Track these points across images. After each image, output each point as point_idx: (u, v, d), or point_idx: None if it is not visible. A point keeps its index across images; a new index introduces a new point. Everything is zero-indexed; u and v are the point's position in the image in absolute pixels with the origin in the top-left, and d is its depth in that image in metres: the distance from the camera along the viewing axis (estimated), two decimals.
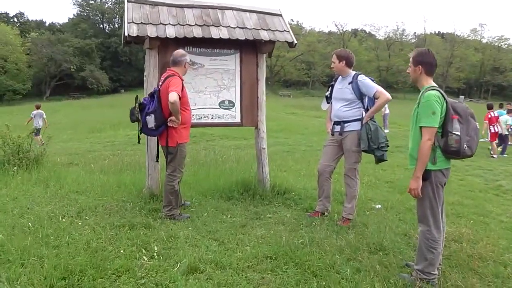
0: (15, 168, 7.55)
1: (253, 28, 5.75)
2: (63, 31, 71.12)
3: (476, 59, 73.49)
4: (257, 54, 6.07)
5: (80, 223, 4.86)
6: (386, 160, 5.07)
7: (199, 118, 5.90)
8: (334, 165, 5.38)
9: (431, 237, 3.60)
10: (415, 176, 3.52)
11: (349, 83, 5.09)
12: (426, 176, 3.53)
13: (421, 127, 3.51)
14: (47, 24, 77.54)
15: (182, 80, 4.92)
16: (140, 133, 4.94)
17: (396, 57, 71.81)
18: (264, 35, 5.73)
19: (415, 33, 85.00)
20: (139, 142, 5.11)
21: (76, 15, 77.19)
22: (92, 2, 77.32)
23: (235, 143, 15.09)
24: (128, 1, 5.51)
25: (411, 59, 3.72)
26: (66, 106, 44.60)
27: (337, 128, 5.23)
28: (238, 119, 6.10)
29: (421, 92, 3.62)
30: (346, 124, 5.13)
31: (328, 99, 5.51)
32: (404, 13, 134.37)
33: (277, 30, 5.87)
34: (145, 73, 5.65)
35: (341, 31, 78.17)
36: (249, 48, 6.02)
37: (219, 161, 9.49)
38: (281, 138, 16.92)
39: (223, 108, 6.01)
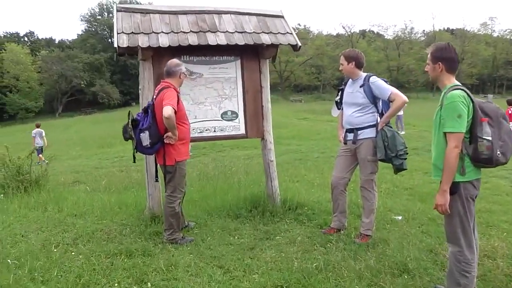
0: (13, 191, 7.26)
1: (253, 32, 5.34)
2: (72, 48, 71.79)
3: (488, 54, 71.93)
4: (259, 60, 5.65)
5: (74, 252, 4.47)
6: (406, 169, 4.61)
7: (201, 132, 5.49)
8: (348, 177, 4.93)
9: (464, 259, 3.12)
10: (442, 190, 3.06)
11: (360, 86, 4.64)
12: (454, 189, 3.06)
13: (445, 133, 3.05)
14: (56, 42, 78.45)
15: (178, 92, 4.53)
16: (136, 152, 4.55)
17: (406, 56, 70.94)
18: (266, 39, 5.32)
19: (423, 30, 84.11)
20: (134, 161, 4.72)
21: (84, 31, 78.00)
22: (100, 17, 77.91)
23: (245, 153, 14.68)
24: (118, 10, 5.16)
25: (429, 56, 3.27)
26: (78, 122, 44.82)
27: (350, 136, 4.78)
28: (242, 131, 5.68)
29: (443, 93, 3.16)
30: (359, 132, 4.68)
31: (339, 104, 5.06)
32: (412, 11, 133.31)
33: (279, 32, 5.45)
34: (139, 87, 5.27)
35: (349, 33, 77.50)
36: (250, 54, 5.61)
37: (227, 174, 9.07)
38: (293, 145, 16.47)
39: (226, 120, 5.60)
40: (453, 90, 3.07)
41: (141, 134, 4.37)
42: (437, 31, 76.50)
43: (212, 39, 5.09)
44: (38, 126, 17.05)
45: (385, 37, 79.18)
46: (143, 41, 4.88)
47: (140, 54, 5.09)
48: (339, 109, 5.09)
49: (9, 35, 73.68)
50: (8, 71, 60.56)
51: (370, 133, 4.64)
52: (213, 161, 12.24)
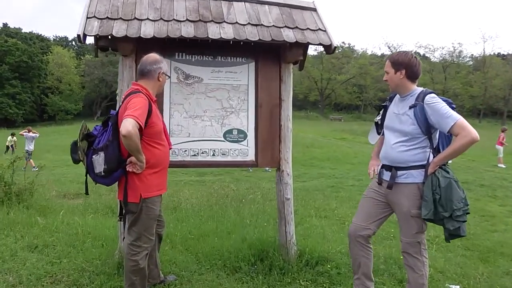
0: None
1: (273, 26, 3.96)
2: (115, 54, 72.72)
3: None
4: (280, 64, 4.27)
5: None
6: (464, 236, 3.14)
7: (195, 155, 4.13)
8: (373, 228, 3.44)
9: None
10: None
11: (410, 107, 3.18)
12: None
13: None
14: None
15: (153, 100, 3.20)
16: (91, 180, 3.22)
17: (452, 80, 68.08)
18: (289, 36, 3.92)
19: (472, 55, 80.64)
20: (87, 193, 3.39)
21: None
22: None
23: (273, 174, 13.18)
24: None
25: None
26: None
27: (386, 175, 3.32)
28: (251, 157, 4.29)
29: None
30: (400, 172, 3.22)
31: (379, 127, 3.60)
32: (460, 34, 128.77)
33: (307, 28, 4.05)
34: (117, 91, 3.99)
35: None
36: (269, 56, 4.23)
37: (239, 204, 7.62)
38: (327, 168, 14.95)
39: (230, 141, 4.22)
40: None
41: (94, 157, 3.04)
42: (487, 56, 73.05)
43: (214, 31, 3.74)
44: (29, 131, 16.78)
45: (431, 60, 76.41)
46: (119, 29, 3.58)
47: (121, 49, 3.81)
48: (379, 133, 3.63)
49: (58, 39, 76.23)
50: (52, 73, 62.22)
51: (416, 176, 3.19)
52: (230, 183, 10.79)
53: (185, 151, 4.09)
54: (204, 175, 12.62)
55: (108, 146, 3.02)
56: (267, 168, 13.60)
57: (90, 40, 3.68)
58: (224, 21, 3.86)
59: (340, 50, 67.12)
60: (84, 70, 63.82)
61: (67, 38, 77.96)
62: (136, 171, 3.08)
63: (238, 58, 4.20)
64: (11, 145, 19.44)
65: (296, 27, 4.03)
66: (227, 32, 3.75)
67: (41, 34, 72.20)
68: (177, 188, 9.38)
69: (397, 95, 3.37)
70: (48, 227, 5.49)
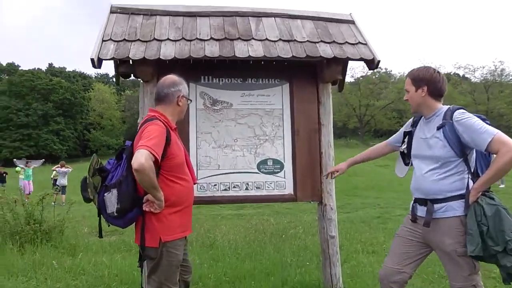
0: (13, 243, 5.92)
1: (307, 41, 3.52)
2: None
3: None
4: (317, 85, 3.81)
5: None
6: None
7: (226, 190, 3.68)
8: (409, 271, 2.84)
9: None
10: None
11: (438, 128, 2.72)
12: None
13: None
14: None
15: (172, 128, 2.78)
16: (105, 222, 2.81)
17: (495, 99, 65.35)
18: (326, 51, 3.47)
19: None
20: (100, 236, 2.96)
21: None
22: None
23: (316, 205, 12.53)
24: (112, 12, 3.59)
25: None
26: None
27: (421, 210, 2.79)
28: (289, 190, 3.79)
29: None
30: (438, 206, 2.70)
31: (406, 157, 3.06)
32: (501, 51, 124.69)
33: (346, 42, 3.59)
34: (138, 120, 3.62)
35: None
36: (304, 76, 3.79)
37: (279, 240, 7.05)
38: (371, 197, 14.18)
39: (264, 173, 3.75)
40: None
41: (106, 194, 2.63)
42: None
43: (242, 50, 3.33)
44: (62, 166, 16.89)
45: (472, 80, 74.11)
46: (136, 51, 3.24)
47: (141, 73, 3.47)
48: (407, 164, 3.07)
49: (99, 76, 79.21)
50: (94, 109, 64.27)
51: (456, 208, 2.66)
52: (270, 217, 10.22)
53: (215, 185, 3.65)
54: (243, 208, 12.12)
55: (121, 182, 2.60)
56: None
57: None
58: (253, 38, 3.46)
59: (377, 75, 66.26)
60: (125, 105, 65.52)
61: (108, 75, 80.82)
62: (154, 211, 2.64)
63: (270, 79, 3.78)
64: (55, 179, 19.72)
65: (333, 41, 3.58)
66: (256, 50, 3.34)
67: (83, 72, 75.31)
68: (214, 223, 8.92)
69: (422, 118, 2.91)
70: (73, 268, 5.12)
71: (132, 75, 3.72)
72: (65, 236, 6.77)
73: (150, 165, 2.43)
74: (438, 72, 2.83)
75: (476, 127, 2.59)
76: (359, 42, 3.63)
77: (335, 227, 3.83)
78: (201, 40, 3.39)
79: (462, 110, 2.72)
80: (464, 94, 70.95)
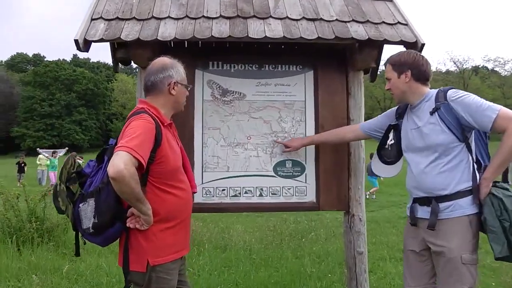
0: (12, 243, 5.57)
1: (336, 20, 2.93)
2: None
3: None
4: (347, 73, 3.22)
5: None
6: None
7: (236, 196, 3.14)
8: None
9: None
10: None
11: (432, 113, 2.43)
12: None
13: None
14: None
15: (163, 124, 2.23)
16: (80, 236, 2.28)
17: None
18: (359, 32, 2.87)
19: None
20: (77, 255, 2.42)
21: None
22: None
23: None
24: None
25: None
26: None
27: (421, 211, 2.49)
28: (311, 197, 3.22)
29: None
30: (444, 204, 2.37)
31: (390, 153, 2.73)
32: None
33: (383, 22, 2.99)
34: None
35: (460, 69, 71.47)
36: (332, 62, 3.21)
37: (299, 244, 6.49)
38: (396, 195, 13.56)
39: (282, 176, 3.20)
40: None
41: (81, 205, 2.11)
42: None
43: (257, 30, 2.76)
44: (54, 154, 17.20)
45: (502, 74, 71.82)
46: (130, 32, 2.70)
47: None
48: (387, 163, 2.76)
49: (123, 67, 79.76)
50: (117, 99, 64.79)
51: (465, 206, 2.36)
52: (289, 216, 9.63)
53: (223, 190, 3.12)
54: None
55: (100, 190, 2.07)
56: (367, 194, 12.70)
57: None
58: (271, 16, 2.88)
59: None
60: None
61: (132, 65, 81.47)
62: (140, 227, 2.11)
63: (291, 66, 3.21)
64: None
65: (368, 20, 2.98)
66: (274, 30, 2.77)
67: (107, 63, 75.76)
68: (230, 222, 8.40)
69: (408, 107, 2.61)
70: (71, 272, 4.68)
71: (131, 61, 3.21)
72: (69, 236, 6.35)
73: (131, 172, 1.89)
74: (420, 55, 2.57)
75: (477, 103, 2.33)
76: (399, 22, 3.02)
77: (364, 243, 3.24)
78: (208, 18, 2.83)
79: (455, 89, 2.46)
80: (492, 87, 69.02)
